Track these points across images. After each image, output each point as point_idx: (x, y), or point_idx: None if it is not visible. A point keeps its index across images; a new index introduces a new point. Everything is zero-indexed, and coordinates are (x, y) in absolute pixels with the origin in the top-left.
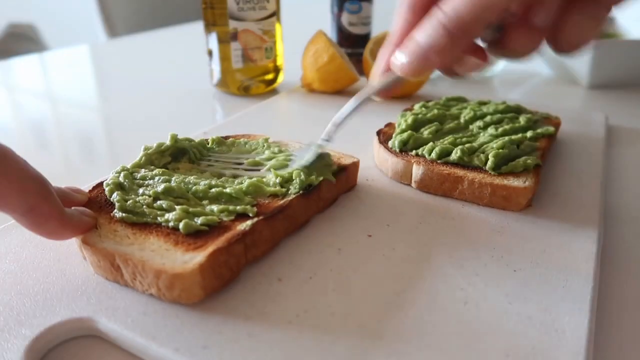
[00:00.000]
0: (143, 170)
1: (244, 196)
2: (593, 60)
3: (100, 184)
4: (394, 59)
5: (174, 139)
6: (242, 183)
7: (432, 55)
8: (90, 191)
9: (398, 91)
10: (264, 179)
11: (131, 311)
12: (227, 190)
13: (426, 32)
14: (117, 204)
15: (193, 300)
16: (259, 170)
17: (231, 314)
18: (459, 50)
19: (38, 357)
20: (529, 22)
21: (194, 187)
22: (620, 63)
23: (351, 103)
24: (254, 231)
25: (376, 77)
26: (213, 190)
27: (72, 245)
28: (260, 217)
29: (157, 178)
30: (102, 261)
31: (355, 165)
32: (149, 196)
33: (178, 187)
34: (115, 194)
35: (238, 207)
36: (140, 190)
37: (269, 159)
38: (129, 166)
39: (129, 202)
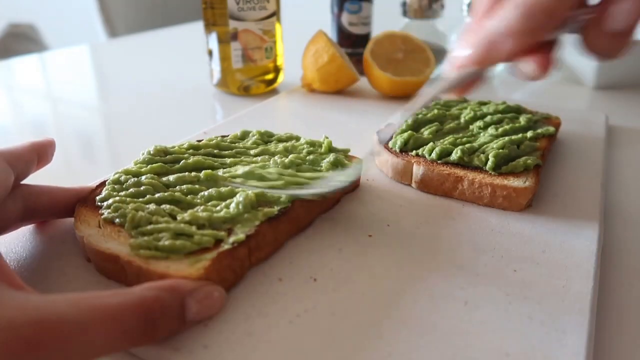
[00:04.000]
0: (142, 177)
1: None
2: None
3: (103, 183)
4: (461, 48)
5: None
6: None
7: (501, 40)
8: (93, 190)
9: (471, 87)
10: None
11: None
12: (221, 214)
13: (499, 16)
14: (106, 212)
15: None
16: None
17: (231, 314)
18: (529, 38)
19: None
20: (605, 24)
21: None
22: (629, 65)
23: (417, 102)
24: (257, 234)
25: (451, 70)
26: (203, 214)
27: (73, 245)
28: (264, 221)
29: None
30: (105, 262)
31: None
32: (135, 209)
33: (159, 210)
34: (104, 204)
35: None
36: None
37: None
38: (131, 165)
39: (112, 214)
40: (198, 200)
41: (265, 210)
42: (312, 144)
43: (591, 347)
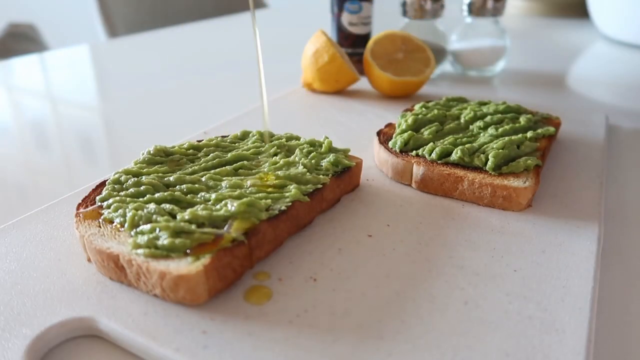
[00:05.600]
0: (141, 177)
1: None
2: None
3: (103, 183)
4: None
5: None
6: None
7: None
8: (93, 190)
9: None
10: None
11: (132, 311)
12: (220, 213)
13: None
14: (106, 212)
15: (197, 302)
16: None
17: (231, 314)
18: None
19: (38, 357)
20: None
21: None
22: None
23: None
24: (257, 233)
25: None
26: (203, 212)
27: (73, 245)
28: (263, 219)
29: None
30: (106, 261)
31: (358, 166)
32: (135, 209)
33: (159, 210)
34: (104, 204)
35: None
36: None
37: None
38: (131, 165)
39: (112, 213)
40: (198, 200)
41: (265, 209)
42: (312, 143)
43: (591, 347)
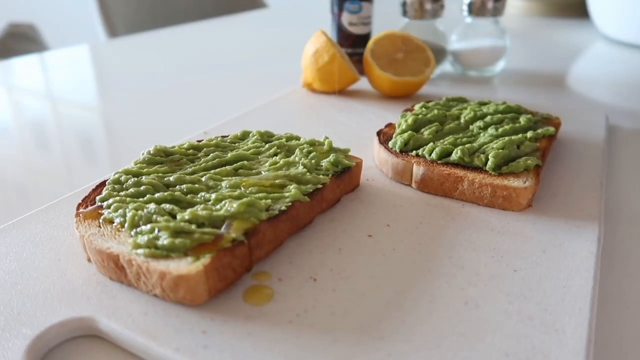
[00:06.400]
0: (141, 177)
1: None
2: None
3: (103, 183)
4: None
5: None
6: (233, 191)
7: None
8: (93, 190)
9: None
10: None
11: (132, 311)
12: (220, 213)
13: None
14: (106, 212)
15: (197, 302)
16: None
17: (231, 314)
18: None
19: (38, 357)
20: None
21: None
22: None
23: None
24: (257, 233)
25: None
26: (203, 212)
27: (73, 245)
28: (264, 219)
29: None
30: (106, 261)
31: (358, 166)
32: (135, 209)
33: (159, 210)
34: (104, 204)
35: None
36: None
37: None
38: (131, 165)
39: (112, 213)
40: (198, 200)
41: (265, 209)
42: (312, 143)
43: (591, 347)
